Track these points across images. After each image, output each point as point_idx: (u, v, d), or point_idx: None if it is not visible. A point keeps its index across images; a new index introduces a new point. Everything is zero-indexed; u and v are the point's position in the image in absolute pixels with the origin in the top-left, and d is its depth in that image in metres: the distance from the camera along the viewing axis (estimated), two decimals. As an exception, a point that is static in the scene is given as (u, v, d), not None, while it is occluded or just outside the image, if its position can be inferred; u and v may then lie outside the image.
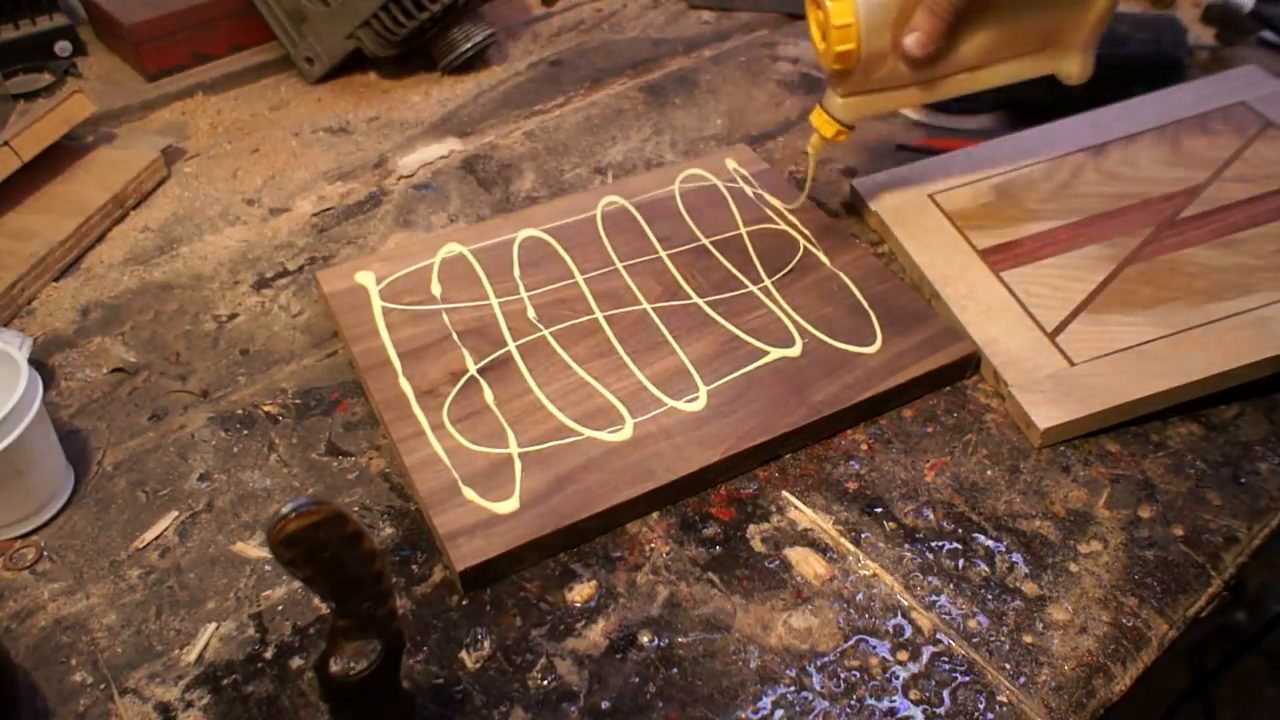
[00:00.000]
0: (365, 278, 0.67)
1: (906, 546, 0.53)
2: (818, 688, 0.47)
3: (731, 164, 0.78)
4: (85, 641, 0.50)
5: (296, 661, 0.49)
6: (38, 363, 0.66)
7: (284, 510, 0.33)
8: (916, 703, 0.46)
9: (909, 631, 0.49)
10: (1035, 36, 0.63)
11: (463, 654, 0.49)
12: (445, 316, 0.65)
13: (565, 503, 0.53)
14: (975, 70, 0.64)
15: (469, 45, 0.95)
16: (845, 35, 0.60)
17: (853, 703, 0.47)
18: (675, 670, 0.48)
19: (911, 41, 0.60)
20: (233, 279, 0.73)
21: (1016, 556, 0.53)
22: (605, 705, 0.47)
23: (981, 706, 0.46)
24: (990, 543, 0.53)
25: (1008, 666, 0.48)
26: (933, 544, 0.53)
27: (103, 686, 0.48)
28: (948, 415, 0.61)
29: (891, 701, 0.46)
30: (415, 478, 0.54)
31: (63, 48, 0.98)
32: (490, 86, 0.96)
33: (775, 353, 0.62)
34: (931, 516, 0.55)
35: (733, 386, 0.60)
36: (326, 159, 0.86)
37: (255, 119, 0.93)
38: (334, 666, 0.40)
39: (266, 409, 0.62)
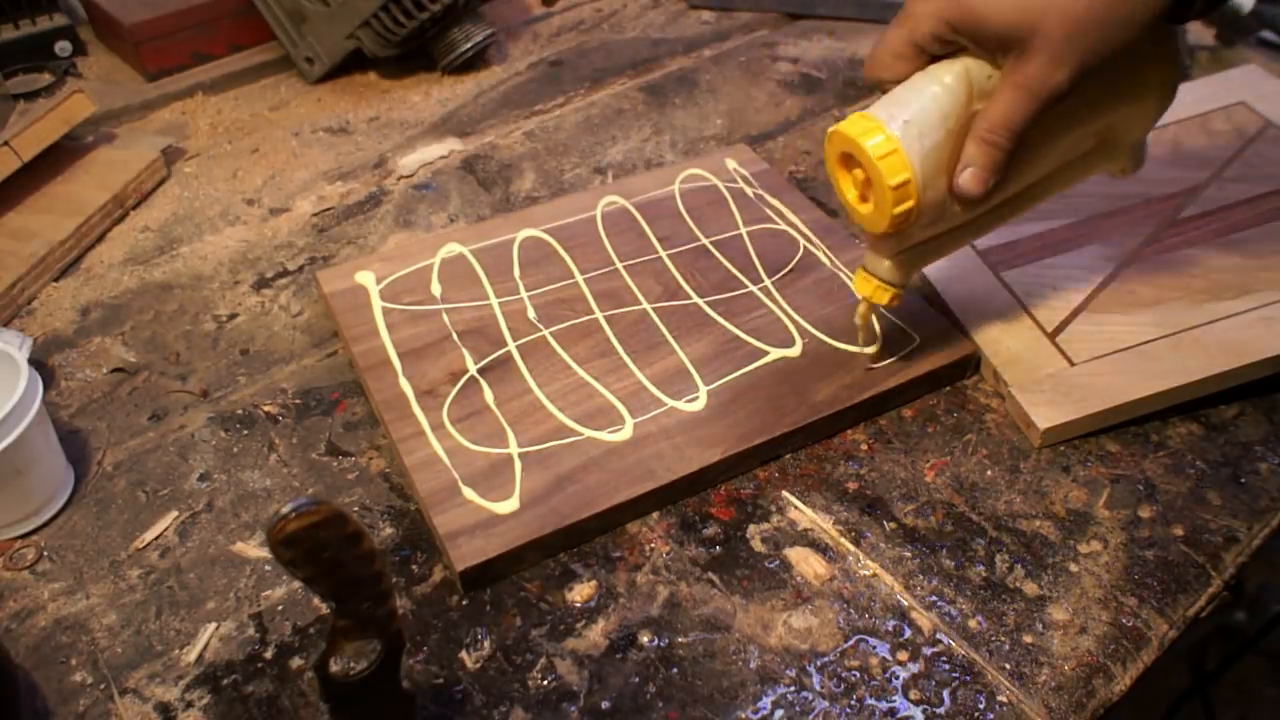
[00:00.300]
0: (365, 278, 0.67)
1: (906, 546, 0.53)
2: (818, 688, 0.47)
3: (731, 164, 0.78)
4: (85, 641, 0.50)
5: (296, 661, 0.49)
6: (38, 363, 0.66)
7: (284, 510, 0.33)
8: (916, 703, 0.46)
9: (909, 631, 0.49)
10: (1089, 138, 0.55)
11: (463, 654, 0.49)
12: (445, 316, 0.65)
13: (565, 503, 0.53)
14: (1029, 190, 0.55)
15: (469, 45, 0.95)
16: (903, 194, 0.49)
17: (853, 703, 0.47)
18: (675, 670, 0.48)
19: (968, 179, 0.49)
20: (233, 279, 0.73)
21: (1016, 556, 0.53)
22: (605, 705, 0.47)
23: (981, 706, 0.46)
24: (990, 543, 0.53)
25: (1008, 666, 0.48)
26: (933, 544, 0.53)
27: (103, 686, 0.48)
28: (948, 415, 0.61)
29: (891, 701, 0.46)
30: (415, 478, 0.54)
31: (63, 48, 0.98)
32: (490, 86, 0.96)
33: (775, 353, 0.62)
34: (931, 516, 0.55)
35: (733, 386, 0.60)
36: (326, 159, 0.87)
37: (255, 119, 0.93)
38: (334, 666, 0.40)
39: (266, 409, 0.62)
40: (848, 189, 0.53)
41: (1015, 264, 0.67)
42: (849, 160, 0.51)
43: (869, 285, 0.56)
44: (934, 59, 0.50)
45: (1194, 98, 0.79)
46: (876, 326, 0.62)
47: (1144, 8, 0.45)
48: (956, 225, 0.54)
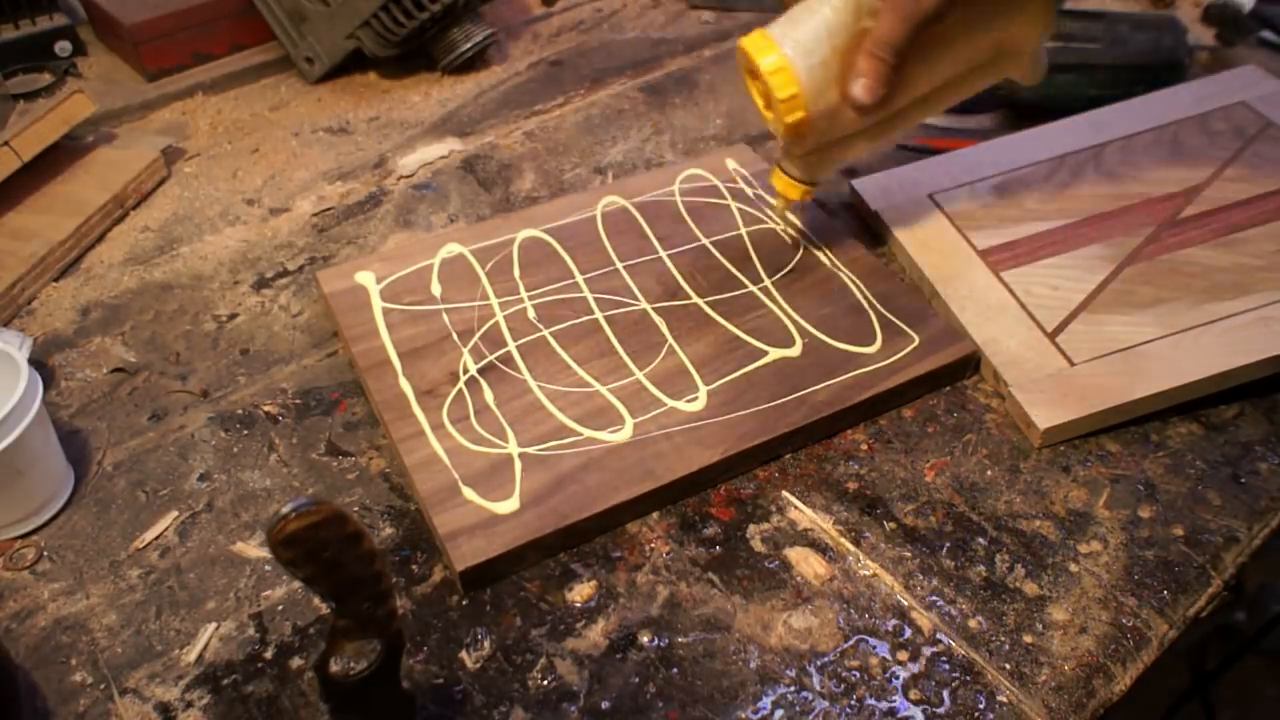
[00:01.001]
0: (365, 278, 0.67)
1: (906, 546, 0.53)
2: (818, 688, 0.47)
3: (731, 164, 0.78)
4: (85, 641, 0.50)
5: (296, 661, 0.49)
6: (38, 363, 0.66)
7: (284, 510, 0.33)
8: (916, 703, 0.46)
9: (909, 631, 0.49)
10: (984, 49, 0.61)
11: (463, 654, 0.49)
12: (445, 316, 0.65)
13: (565, 503, 0.53)
14: (929, 96, 0.62)
15: (469, 45, 0.95)
16: (792, 106, 0.57)
17: (853, 703, 0.47)
18: (675, 670, 0.48)
19: (860, 89, 0.56)
20: (233, 279, 0.73)
21: (1016, 556, 0.53)
22: (605, 705, 0.47)
23: (981, 706, 0.46)
24: (990, 543, 0.53)
25: (1008, 666, 0.48)
26: (933, 544, 0.53)
27: (103, 686, 0.48)
28: (948, 415, 0.61)
29: (891, 701, 0.46)
30: (415, 478, 0.54)
31: (63, 48, 0.98)
32: (490, 86, 0.96)
33: (775, 353, 0.62)
34: (931, 516, 0.55)
35: (733, 386, 0.60)
36: (326, 159, 0.87)
37: (255, 119, 0.93)
38: (334, 666, 0.40)
39: (266, 409, 0.62)
40: (756, 96, 0.62)
41: (1015, 264, 0.67)
42: (754, 72, 0.58)
43: (782, 181, 0.66)
44: None
45: (1194, 98, 0.78)
46: (796, 221, 0.72)
47: None
48: (861, 128, 0.61)
